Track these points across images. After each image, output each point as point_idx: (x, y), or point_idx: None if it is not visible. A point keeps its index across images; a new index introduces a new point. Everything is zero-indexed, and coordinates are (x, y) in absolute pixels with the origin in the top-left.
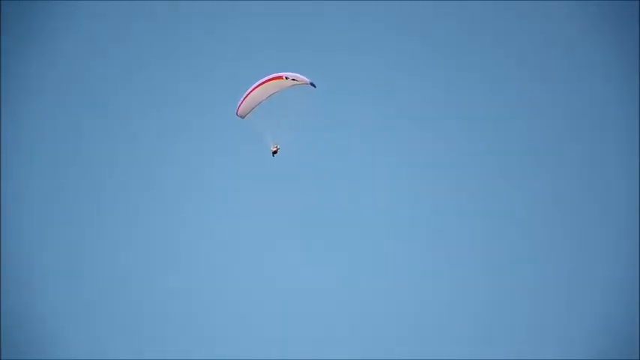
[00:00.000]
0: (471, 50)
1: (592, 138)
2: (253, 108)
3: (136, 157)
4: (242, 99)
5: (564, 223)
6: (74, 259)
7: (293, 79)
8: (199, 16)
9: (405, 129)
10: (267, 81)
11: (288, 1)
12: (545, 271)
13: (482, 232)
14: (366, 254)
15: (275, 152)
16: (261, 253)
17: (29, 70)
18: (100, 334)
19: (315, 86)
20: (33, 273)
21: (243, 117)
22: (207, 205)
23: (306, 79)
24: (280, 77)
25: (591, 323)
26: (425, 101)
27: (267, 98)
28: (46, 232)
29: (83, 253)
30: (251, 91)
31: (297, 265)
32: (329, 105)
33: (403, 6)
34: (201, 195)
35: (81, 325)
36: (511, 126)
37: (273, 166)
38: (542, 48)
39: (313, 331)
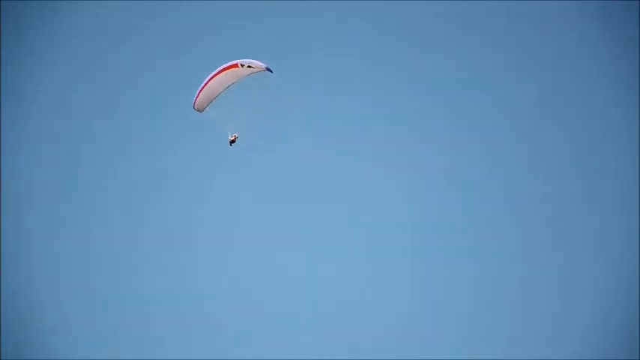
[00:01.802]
0: (468, 50)
1: (591, 138)
2: (211, 101)
3: (137, 156)
4: (198, 91)
5: (564, 223)
6: (75, 258)
7: (249, 66)
8: (201, 15)
9: (402, 128)
10: (222, 70)
11: (283, 2)
12: (545, 271)
13: (481, 231)
14: (362, 253)
15: (233, 141)
16: (258, 253)
17: (29, 70)
18: (101, 334)
19: (272, 71)
20: (33, 273)
21: (200, 111)
22: (204, 205)
23: (262, 65)
24: (235, 65)
25: (591, 323)
26: (421, 100)
27: (224, 90)
28: (46, 232)
29: (84, 253)
30: (207, 83)
31: (293, 264)
32: (323, 104)
33: (394, 5)
34: (198, 195)
35: (81, 325)
36: (507, 126)
37: (270, 167)
38: (540, 48)
39: (309, 331)
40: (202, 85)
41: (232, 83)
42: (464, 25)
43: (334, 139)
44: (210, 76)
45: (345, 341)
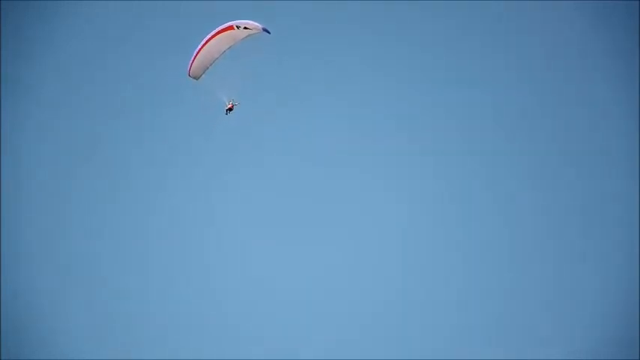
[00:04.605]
0: (468, 50)
1: (591, 138)
2: (207, 67)
3: (137, 155)
4: (192, 57)
5: (564, 223)
6: (75, 258)
7: (245, 27)
8: (201, 15)
9: (401, 129)
10: (217, 33)
11: (283, 2)
12: (545, 271)
13: (481, 232)
14: (356, 253)
15: (230, 109)
16: (252, 253)
17: (30, 70)
18: (101, 334)
19: (269, 32)
20: (33, 273)
21: (196, 78)
22: (205, 205)
23: (259, 26)
24: (231, 27)
25: (591, 323)
26: (421, 101)
27: (220, 55)
28: (46, 232)
29: (84, 253)
30: (202, 47)
31: (286, 264)
32: (324, 104)
33: (394, 5)
34: (199, 195)
35: (81, 325)
36: (507, 126)
37: (271, 167)
38: (540, 48)
39: (303, 331)
40: (197, 50)
41: (229, 47)
42: (464, 25)
43: (333, 141)
44: (205, 40)
45: (346, 342)
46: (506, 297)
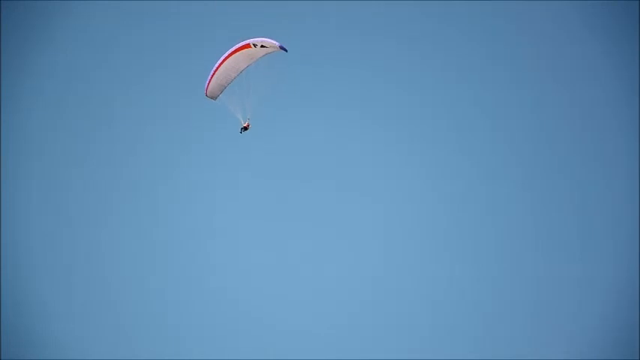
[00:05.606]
0: (468, 51)
1: (591, 138)
2: (224, 87)
3: (138, 156)
4: (209, 77)
5: (564, 223)
6: (75, 259)
7: (262, 46)
8: (200, 16)
9: (393, 129)
10: (234, 52)
11: (282, 2)
12: (545, 272)
13: (478, 232)
14: (355, 253)
15: (245, 128)
16: (252, 253)
17: (30, 70)
18: (96, 335)
19: (286, 50)
20: (33, 274)
21: (214, 98)
22: (199, 204)
23: (276, 44)
24: (248, 46)
25: (591, 323)
26: (415, 102)
27: (238, 75)
28: (46, 233)
29: (84, 253)
30: (218, 67)
31: (286, 264)
32: (316, 105)
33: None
34: (199, 195)
35: (80, 326)
36: (506, 126)
37: (271, 168)
38: (540, 48)
39: (303, 331)
40: (214, 69)
41: (246, 67)
42: (464, 25)
43: (332, 140)
44: (222, 59)
45: (345, 342)
46: (505, 297)
